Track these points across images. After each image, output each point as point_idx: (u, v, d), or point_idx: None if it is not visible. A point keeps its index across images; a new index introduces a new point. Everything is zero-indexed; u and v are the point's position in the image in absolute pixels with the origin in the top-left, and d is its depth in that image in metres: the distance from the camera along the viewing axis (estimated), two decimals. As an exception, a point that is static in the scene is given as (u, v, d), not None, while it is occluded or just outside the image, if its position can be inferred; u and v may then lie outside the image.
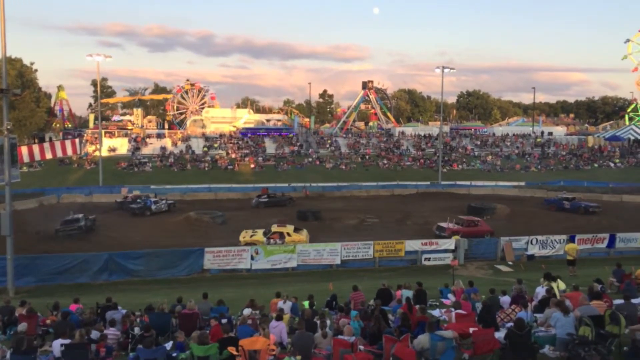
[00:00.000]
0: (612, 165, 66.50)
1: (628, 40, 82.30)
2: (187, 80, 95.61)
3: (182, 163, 63.50)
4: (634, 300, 12.94)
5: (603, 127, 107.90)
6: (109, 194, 49.04)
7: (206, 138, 73.76)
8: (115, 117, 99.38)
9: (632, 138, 74.64)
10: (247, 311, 13.23)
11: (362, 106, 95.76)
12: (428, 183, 57.31)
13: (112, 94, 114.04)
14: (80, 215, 35.14)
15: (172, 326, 12.45)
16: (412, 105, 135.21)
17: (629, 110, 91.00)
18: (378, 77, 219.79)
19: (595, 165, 66.82)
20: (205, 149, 69.16)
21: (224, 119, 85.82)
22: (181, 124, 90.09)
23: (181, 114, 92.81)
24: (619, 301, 12.66)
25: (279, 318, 11.39)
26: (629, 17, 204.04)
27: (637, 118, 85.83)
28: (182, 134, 75.82)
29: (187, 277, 25.56)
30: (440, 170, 59.79)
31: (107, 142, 67.33)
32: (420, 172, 63.42)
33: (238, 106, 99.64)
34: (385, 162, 67.10)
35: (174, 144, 70.47)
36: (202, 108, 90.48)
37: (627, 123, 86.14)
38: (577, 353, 9.33)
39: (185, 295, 16.16)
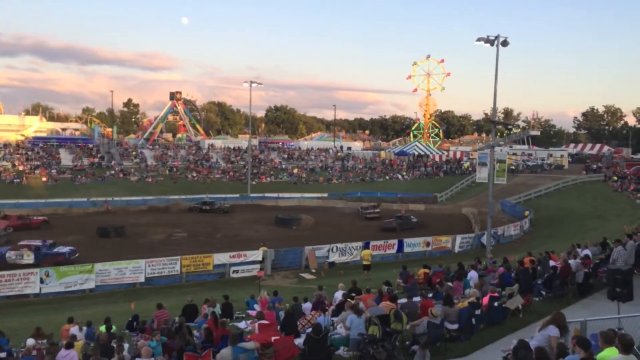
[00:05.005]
0: (400, 177, 74.15)
1: (415, 63, 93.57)
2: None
3: (-46, 176, 54.67)
4: (415, 298, 14.59)
5: (393, 143, 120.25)
6: None
7: (-14, 148, 64.57)
8: None
9: (416, 153, 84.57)
10: (30, 341, 11.86)
11: (170, 117, 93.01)
12: (237, 195, 57.90)
13: None
14: None
15: None
16: (222, 117, 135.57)
17: (413, 128, 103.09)
18: (187, 88, 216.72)
19: (387, 177, 73.86)
20: (-15, 160, 60.51)
21: (9, 126, 76.41)
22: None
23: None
24: (403, 300, 14.18)
25: (70, 345, 10.42)
26: (419, 43, 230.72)
27: (419, 135, 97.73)
28: (-46, 143, 65.33)
29: (-41, 309, 22.10)
30: (250, 183, 60.77)
31: None
32: (229, 185, 63.60)
33: (28, 113, 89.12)
34: (194, 174, 65.90)
35: (-57, 153, 60.41)
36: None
37: (411, 140, 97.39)
38: (367, 351, 10.19)
39: (-44, 330, 13.91)
